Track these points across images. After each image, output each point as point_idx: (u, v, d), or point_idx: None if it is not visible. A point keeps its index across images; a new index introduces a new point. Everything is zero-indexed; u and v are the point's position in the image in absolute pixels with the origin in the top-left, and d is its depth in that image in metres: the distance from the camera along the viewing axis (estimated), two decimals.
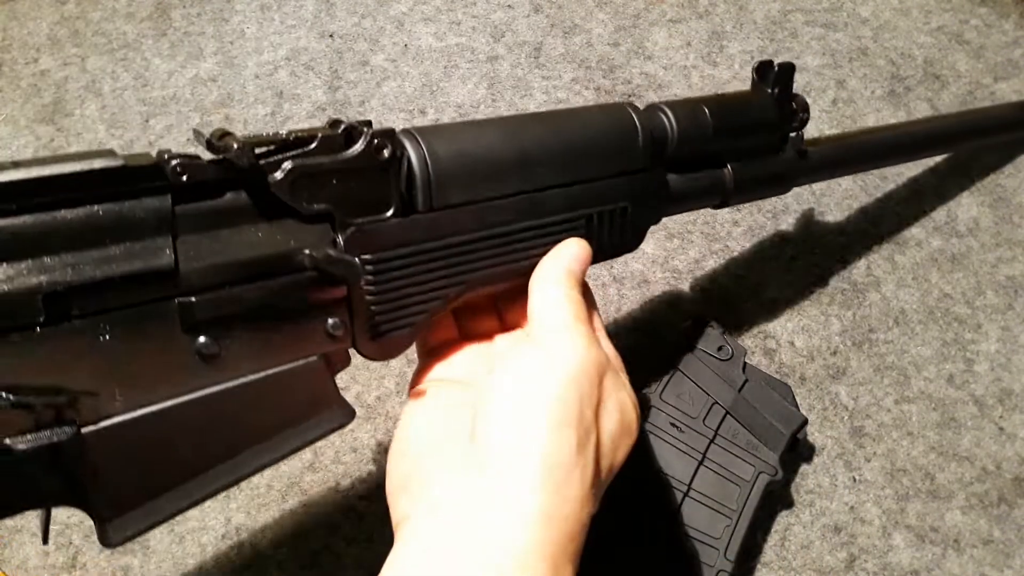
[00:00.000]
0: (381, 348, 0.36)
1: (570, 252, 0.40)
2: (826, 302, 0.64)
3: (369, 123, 0.34)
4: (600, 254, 0.43)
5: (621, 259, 0.65)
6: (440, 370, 0.39)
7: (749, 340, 0.62)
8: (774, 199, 0.69)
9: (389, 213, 0.35)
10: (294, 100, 0.74)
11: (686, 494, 0.51)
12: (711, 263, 0.65)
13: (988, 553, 0.54)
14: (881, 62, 0.79)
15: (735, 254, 0.66)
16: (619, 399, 0.35)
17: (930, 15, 0.83)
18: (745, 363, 0.55)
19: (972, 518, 0.56)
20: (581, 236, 0.41)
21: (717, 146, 0.48)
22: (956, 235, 0.69)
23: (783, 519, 0.55)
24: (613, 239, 0.44)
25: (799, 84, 0.77)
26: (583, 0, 0.82)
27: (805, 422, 0.54)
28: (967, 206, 0.70)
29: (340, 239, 0.34)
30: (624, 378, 0.37)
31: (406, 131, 0.36)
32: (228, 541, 0.52)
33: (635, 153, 0.43)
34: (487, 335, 0.42)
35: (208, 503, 0.53)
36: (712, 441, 0.52)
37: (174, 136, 0.71)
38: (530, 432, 0.31)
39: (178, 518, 0.52)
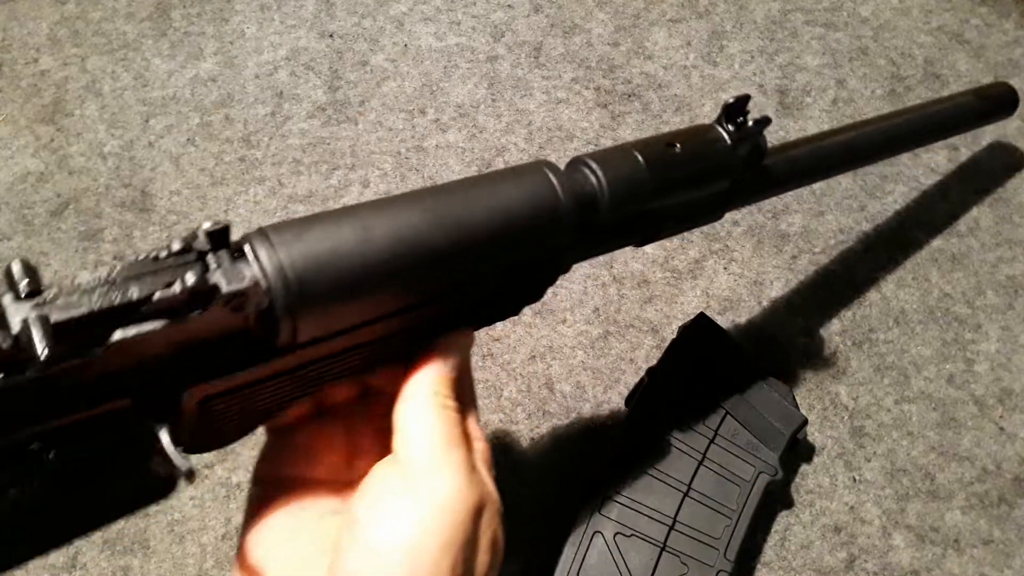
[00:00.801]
0: (206, 447, 0.33)
1: (447, 360, 0.34)
2: (826, 302, 0.64)
3: (225, 245, 0.28)
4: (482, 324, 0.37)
5: (621, 259, 0.65)
6: (295, 462, 0.35)
7: (749, 340, 0.62)
8: (773, 199, 0.70)
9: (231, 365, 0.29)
10: (294, 100, 0.74)
11: (686, 494, 0.51)
12: (711, 263, 0.65)
13: (988, 553, 0.54)
14: (881, 62, 0.79)
15: (735, 254, 0.66)
16: (492, 535, 0.31)
17: (930, 15, 0.83)
18: (745, 363, 0.55)
19: (972, 518, 0.56)
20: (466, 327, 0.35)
21: (658, 205, 0.41)
22: (956, 235, 0.69)
23: (783, 519, 0.55)
24: (505, 313, 0.39)
25: (799, 84, 0.77)
26: (583, 0, 0.82)
27: (805, 422, 0.54)
28: (967, 206, 0.70)
29: (164, 439, 0.28)
30: (498, 504, 0.33)
31: (266, 250, 0.29)
32: (228, 541, 0.52)
33: (554, 239, 0.36)
34: (348, 414, 0.37)
35: (208, 503, 0.53)
36: (712, 441, 0.52)
37: (174, 136, 0.71)
38: None
39: (178, 518, 0.53)
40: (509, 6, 0.81)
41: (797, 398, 0.57)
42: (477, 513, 0.31)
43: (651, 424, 0.53)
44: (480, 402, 0.58)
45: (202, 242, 0.28)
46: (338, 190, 0.69)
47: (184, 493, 0.54)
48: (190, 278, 0.26)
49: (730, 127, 0.43)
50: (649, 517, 0.50)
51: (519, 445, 0.57)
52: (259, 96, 0.74)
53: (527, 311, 0.62)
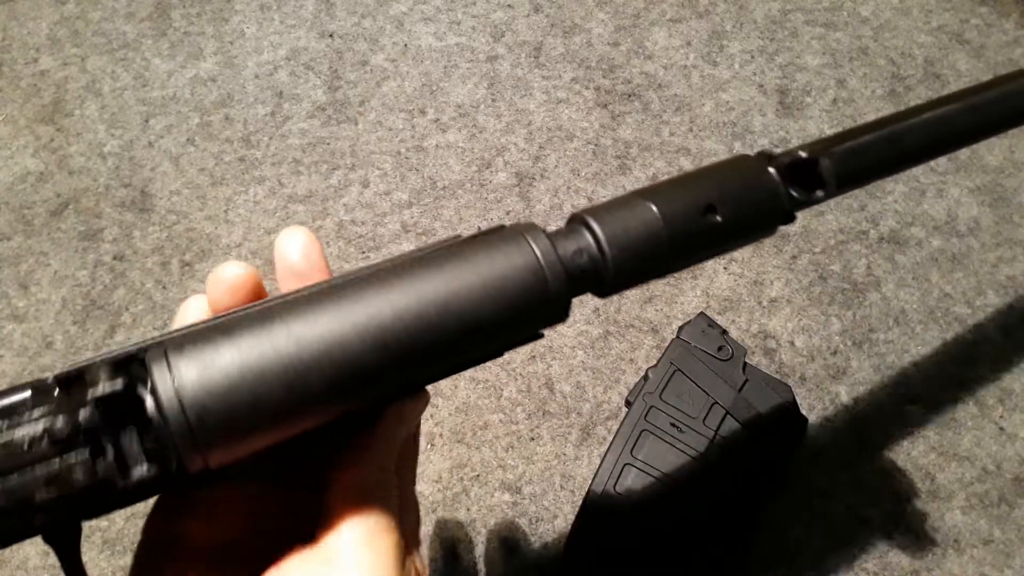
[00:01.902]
0: None
1: (394, 438, 0.28)
2: (826, 302, 0.64)
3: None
4: None
5: None
6: (189, 517, 0.28)
7: (749, 340, 0.62)
8: None
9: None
10: (294, 100, 0.74)
11: (686, 494, 0.51)
12: (711, 263, 0.65)
13: (988, 553, 0.54)
14: (881, 61, 0.79)
15: (735, 254, 0.66)
16: None
17: (930, 14, 0.83)
18: (745, 363, 0.55)
19: (972, 518, 0.56)
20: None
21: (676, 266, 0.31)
22: (956, 235, 0.69)
23: (783, 519, 0.55)
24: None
25: (799, 84, 0.77)
26: (583, 0, 0.82)
27: (805, 422, 0.54)
28: (967, 206, 0.70)
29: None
30: None
31: (166, 387, 0.24)
32: None
33: (541, 318, 0.28)
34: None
35: None
36: (712, 441, 0.52)
37: (174, 136, 0.71)
38: None
39: None
40: (509, 6, 0.81)
41: (797, 398, 0.57)
42: None
43: (651, 424, 0.52)
44: (480, 402, 0.58)
45: (90, 415, 0.24)
46: (338, 190, 0.69)
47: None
48: (80, 478, 0.23)
49: (793, 193, 0.33)
50: None
51: (519, 445, 0.57)
52: (259, 96, 0.74)
53: None
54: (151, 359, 0.24)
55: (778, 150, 0.34)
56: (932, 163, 0.72)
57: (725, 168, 0.33)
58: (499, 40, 0.79)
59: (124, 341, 0.60)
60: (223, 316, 0.26)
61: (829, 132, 0.74)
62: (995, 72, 0.79)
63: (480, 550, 0.52)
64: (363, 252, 0.65)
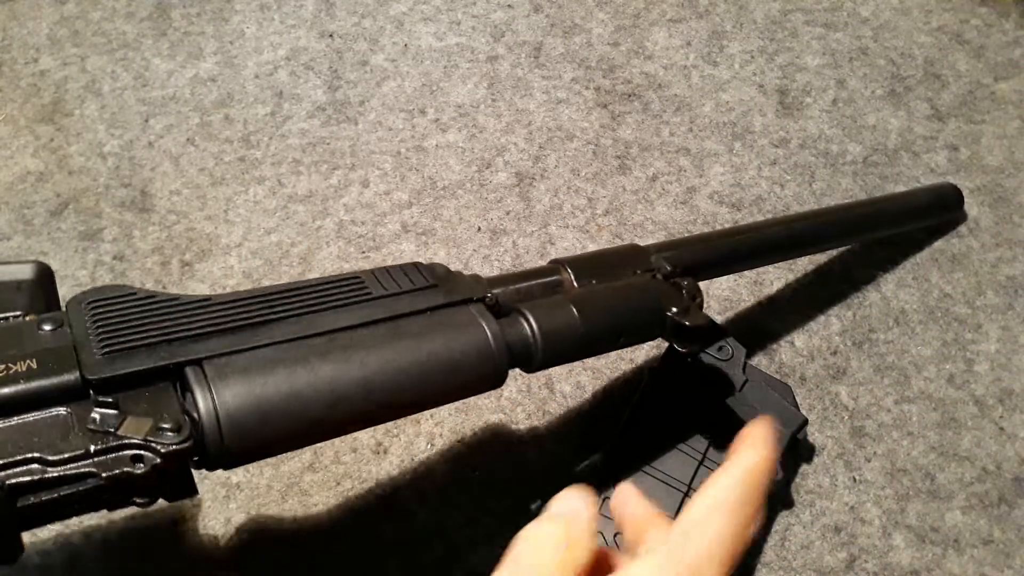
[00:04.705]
0: None
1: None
2: (826, 302, 0.64)
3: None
4: None
5: None
6: None
7: (749, 340, 0.62)
8: (773, 199, 0.70)
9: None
10: (294, 100, 0.74)
11: (686, 494, 0.51)
12: None
13: (988, 553, 0.54)
14: (881, 62, 0.79)
15: None
16: None
17: (930, 15, 0.83)
18: (745, 363, 0.55)
19: (972, 518, 0.56)
20: None
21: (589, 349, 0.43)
22: (956, 235, 0.69)
23: (783, 519, 0.55)
24: None
25: (799, 84, 0.77)
26: (583, 0, 0.82)
27: (805, 422, 0.54)
28: (967, 206, 0.70)
29: None
30: None
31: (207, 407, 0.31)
32: (228, 541, 0.52)
33: (487, 384, 0.39)
34: None
35: (208, 503, 0.53)
36: (712, 441, 0.52)
37: (174, 136, 0.71)
38: None
39: (178, 518, 0.53)
40: (509, 6, 0.81)
41: (797, 398, 0.57)
42: None
43: (651, 424, 0.52)
44: (480, 402, 0.58)
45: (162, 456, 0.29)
46: (338, 190, 0.69)
47: None
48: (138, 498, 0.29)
49: (674, 306, 0.44)
50: None
51: (519, 445, 0.57)
52: (259, 96, 0.74)
53: None
54: (193, 377, 0.31)
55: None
56: (931, 164, 0.72)
57: (634, 294, 0.45)
58: (499, 40, 0.79)
59: None
60: (258, 335, 0.34)
61: (829, 132, 0.74)
62: (995, 72, 0.79)
63: (480, 550, 0.52)
64: (363, 252, 0.65)
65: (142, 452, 0.29)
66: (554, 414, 0.58)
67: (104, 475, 0.28)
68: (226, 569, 0.51)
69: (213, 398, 0.31)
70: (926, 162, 0.72)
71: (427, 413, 0.57)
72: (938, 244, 0.68)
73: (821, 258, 0.67)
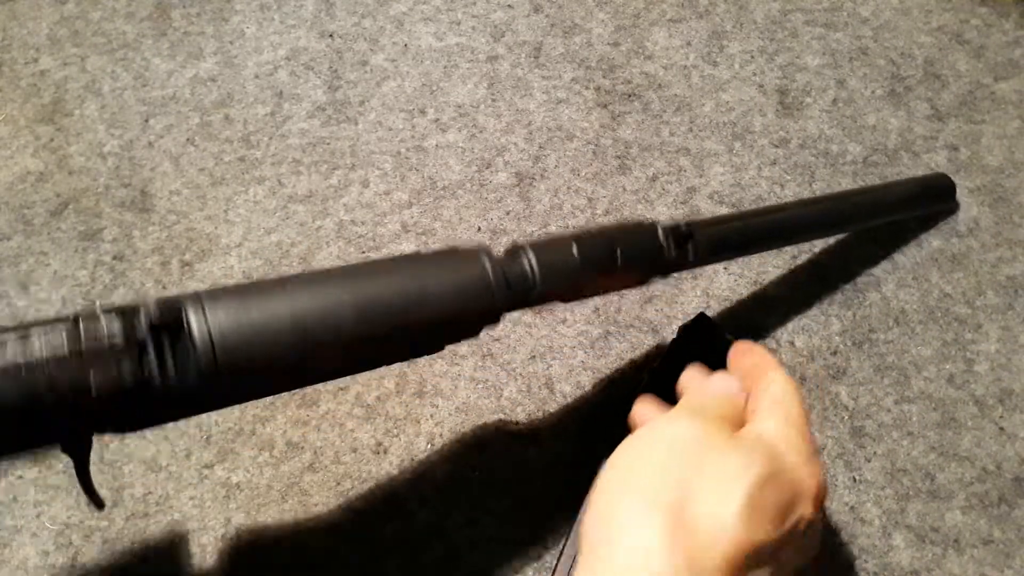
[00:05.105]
0: None
1: None
2: (826, 302, 0.64)
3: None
4: None
5: None
6: None
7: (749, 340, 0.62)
8: (773, 199, 0.70)
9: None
10: (294, 100, 0.74)
11: None
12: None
13: (988, 553, 0.54)
14: (881, 62, 0.79)
15: None
16: None
17: (930, 15, 0.83)
18: None
19: (972, 518, 0.56)
20: None
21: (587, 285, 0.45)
22: (956, 235, 0.69)
23: None
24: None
25: (799, 84, 0.77)
26: (583, 0, 0.82)
27: None
28: (967, 206, 0.70)
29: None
30: None
31: (199, 321, 0.33)
32: (228, 541, 0.52)
33: (484, 318, 0.40)
34: None
35: (208, 503, 0.53)
36: None
37: (174, 136, 0.71)
38: None
39: (178, 518, 0.53)
40: (509, 6, 0.81)
41: None
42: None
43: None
44: (480, 402, 0.58)
45: (143, 328, 0.32)
46: (338, 190, 0.69)
47: (184, 493, 0.54)
48: (126, 371, 0.31)
49: (673, 246, 0.47)
50: None
51: (519, 445, 0.57)
52: (259, 96, 0.74)
53: (528, 311, 0.62)
54: (189, 304, 0.33)
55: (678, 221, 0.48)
56: (931, 164, 0.72)
57: (629, 226, 0.47)
58: (499, 40, 0.79)
59: None
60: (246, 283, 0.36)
61: (829, 132, 0.74)
62: (995, 72, 0.79)
63: (480, 550, 0.52)
64: (363, 252, 0.65)
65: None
66: (554, 414, 0.58)
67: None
68: (226, 569, 0.51)
69: (206, 317, 0.33)
70: (926, 162, 0.72)
71: (427, 413, 0.57)
72: (938, 244, 0.68)
73: (821, 258, 0.67)
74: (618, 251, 0.44)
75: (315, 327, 0.34)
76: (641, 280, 0.48)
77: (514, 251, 0.42)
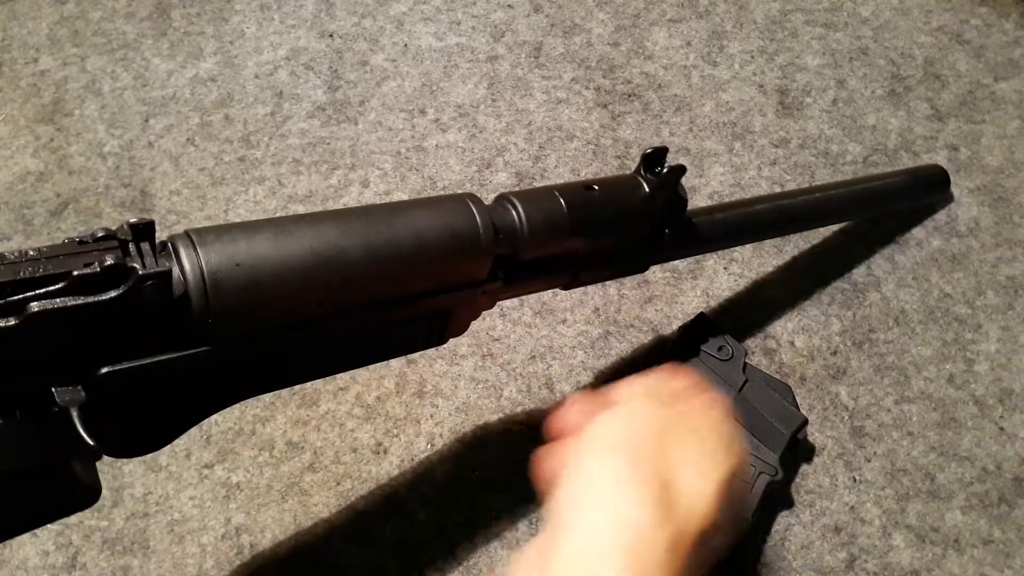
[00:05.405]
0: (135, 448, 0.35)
1: None
2: (826, 302, 0.64)
3: (145, 236, 0.31)
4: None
5: None
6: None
7: (749, 340, 0.62)
8: None
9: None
10: (294, 100, 0.74)
11: None
12: (711, 263, 0.65)
13: (988, 553, 0.54)
14: (881, 62, 0.79)
15: (735, 254, 0.66)
16: None
17: (930, 15, 0.83)
18: (745, 363, 0.55)
19: (972, 518, 0.56)
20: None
21: (576, 243, 0.44)
22: (956, 235, 0.69)
23: (783, 519, 0.55)
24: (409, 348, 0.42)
25: (799, 84, 0.77)
26: (583, 0, 0.82)
27: (805, 422, 0.54)
28: (967, 206, 0.70)
29: (75, 418, 0.30)
30: None
31: (187, 248, 0.32)
32: (228, 541, 0.52)
33: (473, 265, 0.40)
34: None
35: (208, 503, 0.53)
36: None
37: (174, 136, 0.71)
38: None
39: (178, 518, 0.53)
40: (509, 6, 0.81)
41: (797, 398, 0.57)
42: None
43: None
44: (480, 402, 0.58)
45: (126, 232, 0.31)
46: (338, 190, 0.69)
47: (184, 493, 0.54)
48: (108, 259, 0.28)
49: (649, 176, 0.46)
50: None
51: (519, 445, 0.57)
52: (259, 96, 0.74)
53: (527, 311, 0.62)
54: (177, 238, 0.32)
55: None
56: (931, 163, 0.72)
57: (606, 177, 0.46)
58: (499, 40, 0.79)
59: None
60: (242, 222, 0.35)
61: (829, 132, 0.74)
62: (995, 72, 0.79)
63: (480, 550, 0.52)
64: None
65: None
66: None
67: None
68: (226, 569, 0.51)
69: (198, 254, 0.31)
70: (926, 162, 0.72)
71: (427, 413, 0.57)
72: (938, 244, 0.68)
73: (821, 258, 0.67)
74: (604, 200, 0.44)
75: (301, 261, 0.34)
76: (638, 256, 0.48)
77: (500, 199, 0.43)
